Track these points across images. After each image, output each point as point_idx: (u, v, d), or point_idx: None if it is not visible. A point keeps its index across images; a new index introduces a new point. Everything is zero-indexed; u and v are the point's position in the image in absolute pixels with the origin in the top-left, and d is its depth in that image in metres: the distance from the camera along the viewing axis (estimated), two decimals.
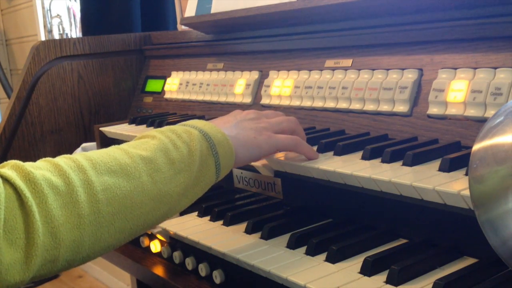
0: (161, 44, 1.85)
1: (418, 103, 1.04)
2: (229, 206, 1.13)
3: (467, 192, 0.72)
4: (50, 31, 3.76)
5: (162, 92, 1.75)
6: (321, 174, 0.95)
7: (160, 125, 1.49)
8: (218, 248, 0.94)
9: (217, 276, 0.97)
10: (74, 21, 3.75)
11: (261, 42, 1.42)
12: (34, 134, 1.77)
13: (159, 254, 1.14)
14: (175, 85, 1.68)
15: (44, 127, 1.79)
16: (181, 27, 1.84)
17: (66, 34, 3.75)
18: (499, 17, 0.93)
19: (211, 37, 1.60)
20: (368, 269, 0.80)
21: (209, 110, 1.54)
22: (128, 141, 0.88)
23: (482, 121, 0.92)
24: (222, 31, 1.56)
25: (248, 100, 1.40)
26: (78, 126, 1.83)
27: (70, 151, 1.79)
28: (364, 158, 0.96)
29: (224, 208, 1.11)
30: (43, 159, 0.78)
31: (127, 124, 1.65)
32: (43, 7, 3.77)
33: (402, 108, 1.04)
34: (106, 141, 1.63)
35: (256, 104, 1.39)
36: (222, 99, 1.48)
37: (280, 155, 1.04)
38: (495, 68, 0.92)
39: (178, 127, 0.89)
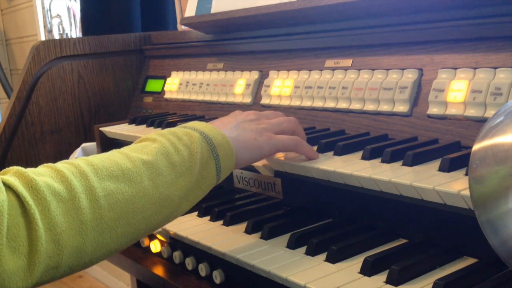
0: (161, 44, 1.85)
1: (418, 103, 1.03)
2: (229, 206, 1.13)
3: (467, 192, 0.72)
4: (50, 31, 3.76)
5: (162, 92, 1.75)
6: (321, 174, 0.95)
7: (160, 125, 1.49)
8: (218, 248, 0.94)
9: (217, 276, 0.97)
10: (74, 21, 3.75)
11: (261, 42, 1.42)
12: (34, 134, 1.77)
13: (159, 254, 1.14)
14: (175, 85, 1.68)
15: (44, 127, 1.79)
16: (181, 27, 1.84)
17: (66, 34, 3.75)
18: (499, 17, 0.93)
19: (211, 37, 1.60)
20: (368, 269, 0.80)
21: (209, 110, 1.54)
22: (128, 141, 0.88)
23: (482, 121, 0.92)
24: (222, 31, 1.56)
25: (248, 100, 1.40)
26: (78, 126, 1.83)
27: (70, 151, 1.79)
28: (364, 158, 0.96)
29: (224, 208, 1.11)
30: (45, 164, 0.78)
31: (127, 124, 1.65)
32: (43, 7, 3.77)
33: (402, 108, 1.04)
34: (106, 141, 1.63)
35: (256, 104, 1.39)
36: (222, 99, 1.48)
37: (280, 155, 1.04)
38: (495, 68, 0.92)
39: (178, 130, 0.89)
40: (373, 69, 1.12)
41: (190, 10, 1.61)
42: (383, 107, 1.08)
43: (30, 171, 0.74)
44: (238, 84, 1.44)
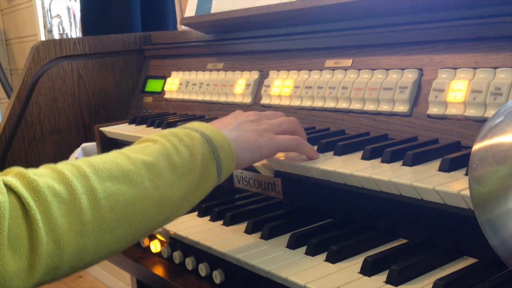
0: (161, 44, 1.85)
1: (418, 103, 1.04)
2: (229, 206, 1.13)
3: (467, 192, 0.72)
4: (50, 31, 3.76)
5: (162, 92, 1.75)
6: (321, 174, 0.95)
7: (160, 125, 1.49)
8: (218, 248, 0.94)
9: (217, 276, 0.97)
10: (74, 21, 3.75)
11: (261, 42, 1.42)
12: (34, 134, 1.77)
13: (159, 254, 1.14)
14: (175, 85, 1.68)
15: (44, 127, 1.79)
16: (181, 27, 1.84)
17: (66, 34, 3.75)
18: (499, 17, 0.93)
19: (211, 37, 1.60)
20: (368, 269, 0.80)
21: (209, 110, 1.54)
22: (128, 141, 0.88)
23: (482, 121, 0.92)
24: (222, 31, 1.56)
25: (248, 100, 1.40)
26: (78, 126, 1.84)
27: (70, 151, 1.79)
28: (364, 158, 0.96)
29: (224, 208, 1.11)
30: (45, 165, 0.78)
31: (127, 124, 1.65)
32: (43, 7, 3.77)
33: (402, 108, 1.04)
34: (106, 141, 1.63)
35: (256, 104, 1.39)
36: (222, 99, 1.48)
37: (280, 155, 1.04)
38: (495, 68, 0.92)
39: (179, 130, 0.90)
40: (373, 69, 1.12)
41: (190, 10, 1.61)
42: (383, 107, 1.08)
43: (31, 172, 0.74)
44: (238, 84, 1.44)
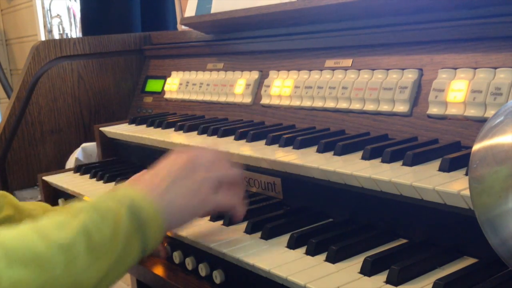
0: (161, 44, 1.85)
1: (418, 103, 1.04)
2: None
3: (467, 192, 0.72)
4: (50, 31, 3.76)
5: (162, 92, 1.75)
6: (321, 174, 0.94)
7: (160, 125, 1.49)
8: (218, 248, 0.94)
9: (217, 276, 0.97)
10: (74, 21, 3.76)
11: (261, 42, 1.42)
12: (34, 134, 1.78)
13: (159, 254, 1.14)
14: (175, 85, 1.68)
15: (44, 127, 1.79)
16: (181, 27, 1.84)
17: (66, 34, 3.75)
18: (499, 17, 0.93)
19: (211, 37, 1.60)
20: (368, 269, 0.80)
21: (209, 110, 1.54)
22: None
23: (482, 121, 0.92)
24: (222, 31, 1.56)
25: (248, 100, 1.40)
26: (78, 126, 1.84)
27: (70, 151, 1.79)
28: (364, 158, 0.96)
29: None
30: None
31: (127, 124, 1.65)
32: (43, 7, 3.77)
33: (402, 108, 1.04)
34: (106, 141, 1.63)
35: (256, 104, 1.39)
36: (222, 99, 1.48)
37: (281, 155, 1.04)
38: (495, 68, 0.92)
39: (105, 203, 0.82)
40: (373, 69, 1.12)
41: (190, 10, 1.61)
42: (383, 107, 1.08)
43: None
44: (238, 84, 1.43)
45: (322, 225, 0.99)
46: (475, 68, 0.95)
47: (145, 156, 1.48)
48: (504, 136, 0.62)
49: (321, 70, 1.23)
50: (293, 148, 1.09)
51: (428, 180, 0.80)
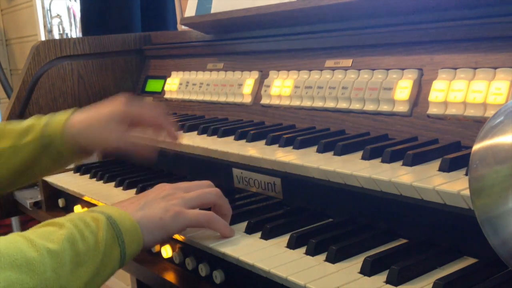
0: (161, 44, 1.85)
1: (418, 103, 1.04)
2: None
3: (467, 192, 0.72)
4: (50, 31, 3.76)
5: (162, 92, 1.75)
6: (321, 174, 0.95)
7: None
8: (218, 248, 0.94)
9: (217, 276, 0.97)
10: (74, 21, 3.75)
11: (261, 42, 1.42)
12: None
13: (159, 254, 1.14)
14: (175, 85, 1.68)
15: None
16: (181, 27, 1.84)
17: (66, 34, 3.75)
18: (499, 17, 0.93)
19: (211, 37, 1.60)
20: (368, 269, 0.80)
21: (209, 110, 1.54)
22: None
23: (482, 121, 0.92)
24: (222, 31, 1.56)
25: (248, 100, 1.40)
26: None
27: None
28: (364, 158, 0.96)
29: None
30: None
31: None
32: (43, 7, 3.77)
33: (402, 108, 1.04)
34: None
35: (256, 104, 1.39)
36: (222, 99, 1.48)
37: (281, 155, 1.04)
38: (495, 68, 0.92)
39: (87, 214, 0.87)
40: (373, 69, 1.12)
41: (190, 10, 1.61)
42: (383, 107, 1.08)
43: None
44: (238, 84, 1.43)
45: (322, 225, 0.99)
46: (475, 68, 0.95)
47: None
48: (504, 136, 0.62)
49: (321, 70, 1.23)
50: (293, 148, 1.09)
51: (428, 180, 0.80)
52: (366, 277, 0.79)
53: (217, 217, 0.97)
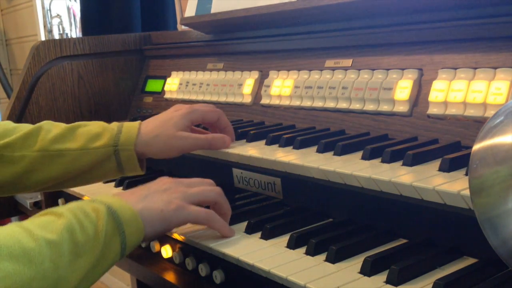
0: (161, 44, 1.85)
1: (418, 103, 1.04)
2: None
3: (467, 192, 0.72)
4: (50, 31, 3.76)
5: (162, 92, 1.75)
6: (321, 174, 0.95)
7: None
8: (218, 248, 0.94)
9: (217, 276, 0.97)
10: (74, 21, 3.75)
11: (261, 42, 1.42)
12: None
13: (159, 254, 1.14)
14: (175, 85, 1.68)
15: None
16: (181, 27, 1.84)
17: (66, 34, 3.75)
18: (499, 17, 0.93)
19: (211, 37, 1.60)
20: (368, 269, 0.80)
21: None
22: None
23: (482, 121, 0.92)
24: (222, 31, 1.56)
25: (248, 100, 1.40)
26: None
27: None
28: (364, 158, 0.96)
29: None
30: None
31: None
32: (43, 7, 3.77)
33: (402, 108, 1.04)
34: None
35: (256, 104, 1.39)
36: (222, 99, 1.48)
37: (281, 155, 1.04)
38: (495, 68, 0.92)
39: (86, 204, 0.87)
40: (373, 69, 1.12)
41: (190, 10, 1.61)
42: (383, 107, 1.08)
43: None
44: (238, 84, 1.43)
45: (322, 225, 0.99)
46: (475, 68, 0.95)
47: None
48: (504, 136, 0.62)
49: (321, 70, 1.23)
50: (293, 148, 1.09)
51: (428, 180, 0.80)
52: (366, 277, 0.79)
53: (217, 216, 0.97)
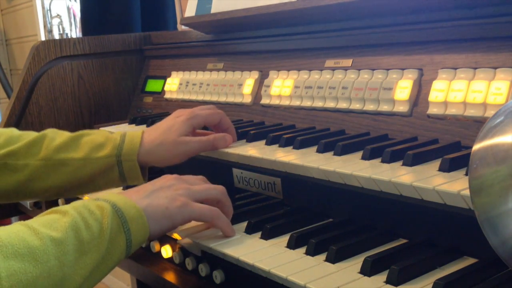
0: (161, 44, 1.85)
1: (418, 103, 1.04)
2: None
3: (467, 192, 0.72)
4: (50, 31, 3.76)
5: (162, 92, 1.75)
6: (321, 174, 0.95)
7: None
8: (218, 248, 0.94)
9: (217, 276, 0.97)
10: (74, 21, 3.75)
11: (261, 42, 1.42)
12: None
13: (159, 254, 1.14)
14: (175, 85, 1.68)
15: (44, 127, 1.77)
16: (181, 27, 1.84)
17: (66, 34, 3.75)
18: (499, 17, 0.93)
19: (211, 37, 1.60)
20: (368, 269, 0.80)
21: None
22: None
23: (482, 121, 0.92)
24: (222, 31, 1.56)
25: (248, 100, 1.40)
26: (78, 126, 1.83)
27: None
28: (364, 158, 0.96)
29: None
30: None
31: (127, 124, 1.65)
32: (43, 7, 3.77)
33: (402, 108, 1.04)
34: None
35: (256, 104, 1.39)
36: (222, 99, 1.48)
37: (281, 155, 1.04)
38: (495, 68, 0.92)
39: (91, 202, 0.87)
40: (373, 69, 1.12)
41: (190, 10, 1.61)
42: (383, 107, 1.08)
43: None
44: (238, 84, 1.44)
45: (322, 225, 0.99)
46: (475, 68, 0.95)
47: None
48: (504, 136, 0.62)
49: (321, 70, 1.23)
50: (293, 148, 1.09)
51: (428, 180, 0.80)
52: (366, 277, 0.79)
53: (221, 214, 0.97)
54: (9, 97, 3.86)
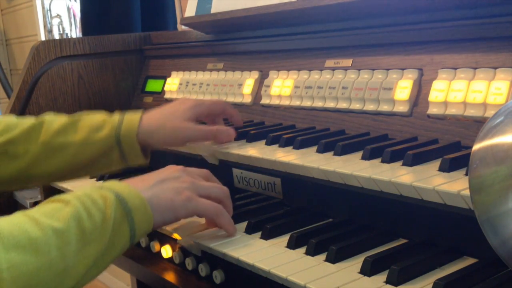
0: (161, 44, 1.85)
1: (418, 103, 1.04)
2: None
3: (467, 192, 0.72)
4: (50, 31, 3.76)
5: (162, 92, 1.75)
6: (321, 174, 0.95)
7: None
8: (218, 248, 0.94)
9: (217, 276, 0.97)
10: (74, 21, 3.75)
11: (261, 42, 1.42)
12: None
13: (159, 254, 1.14)
14: (175, 85, 1.68)
15: None
16: (181, 27, 1.84)
17: (66, 34, 3.75)
18: (499, 17, 0.93)
19: (211, 37, 1.60)
20: (368, 269, 0.80)
21: None
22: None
23: (482, 121, 0.92)
24: (222, 31, 1.56)
25: (248, 100, 1.40)
26: None
27: None
28: (364, 158, 0.96)
29: None
30: None
31: None
32: (43, 7, 3.77)
33: (402, 108, 1.04)
34: None
35: (256, 104, 1.39)
36: (222, 99, 1.48)
37: (281, 155, 1.04)
38: (495, 68, 0.92)
39: (94, 191, 0.86)
40: (373, 69, 1.12)
41: (190, 10, 1.61)
42: (383, 107, 1.08)
43: None
44: (238, 84, 1.44)
45: (322, 225, 0.99)
46: (475, 68, 0.95)
47: None
48: (504, 136, 0.62)
49: (321, 70, 1.23)
50: (293, 148, 1.09)
51: (428, 180, 0.80)
52: (366, 277, 0.79)
53: (225, 211, 0.97)
54: (9, 97, 3.86)
